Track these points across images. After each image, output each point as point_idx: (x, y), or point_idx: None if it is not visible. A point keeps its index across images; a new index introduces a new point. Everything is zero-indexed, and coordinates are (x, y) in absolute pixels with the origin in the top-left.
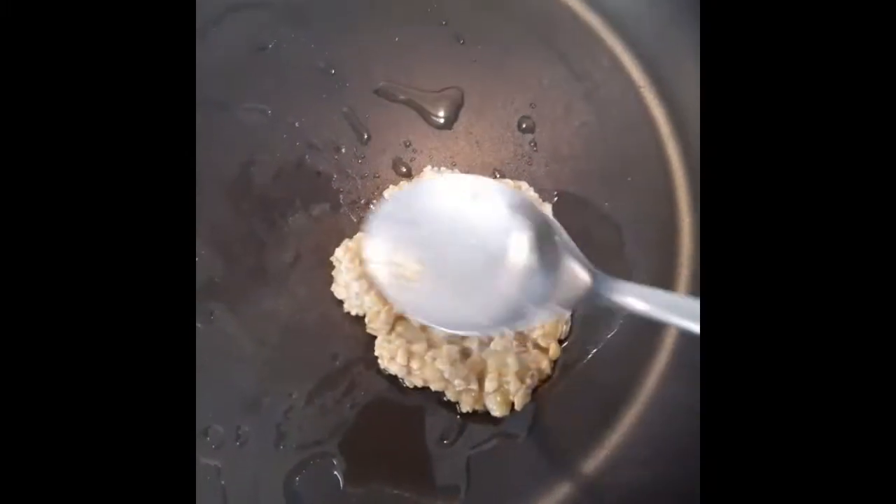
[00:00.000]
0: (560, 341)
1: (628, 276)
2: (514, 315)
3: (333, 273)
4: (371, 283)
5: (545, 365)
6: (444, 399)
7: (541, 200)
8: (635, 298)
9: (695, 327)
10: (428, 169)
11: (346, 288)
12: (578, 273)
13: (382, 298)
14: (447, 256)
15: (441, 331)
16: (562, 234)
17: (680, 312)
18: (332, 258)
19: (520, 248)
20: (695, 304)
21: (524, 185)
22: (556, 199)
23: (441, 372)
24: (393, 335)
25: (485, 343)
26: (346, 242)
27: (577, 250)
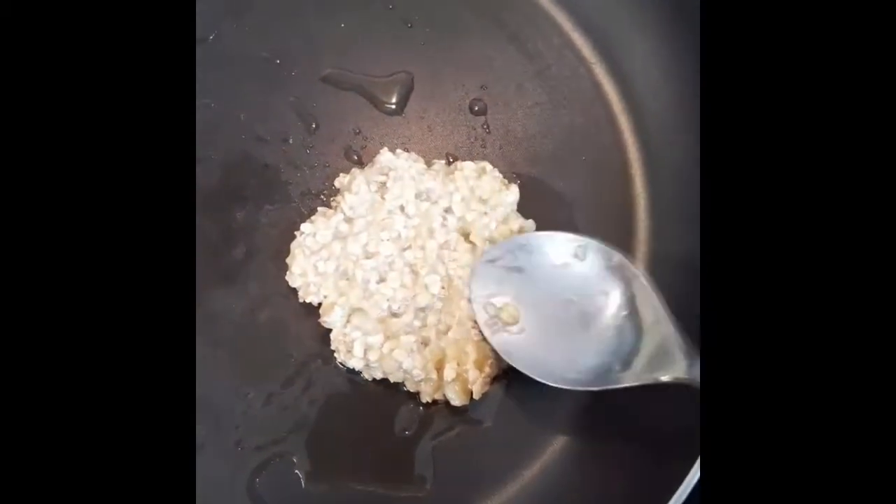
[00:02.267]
0: None
1: None
2: (604, 377)
3: (288, 260)
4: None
5: None
6: (405, 390)
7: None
8: None
9: None
10: (384, 150)
11: (303, 275)
12: (671, 348)
13: (339, 288)
14: (544, 308)
15: (532, 377)
16: (659, 303)
17: None
18: (292, 243)
19: (614, 312)
20: None
21: (488, 165)
22: (517, 181)
23: (399, 363)
24: (349, 328)
25: (443, 332)
26: (306, 225)
27: (674, 323)
